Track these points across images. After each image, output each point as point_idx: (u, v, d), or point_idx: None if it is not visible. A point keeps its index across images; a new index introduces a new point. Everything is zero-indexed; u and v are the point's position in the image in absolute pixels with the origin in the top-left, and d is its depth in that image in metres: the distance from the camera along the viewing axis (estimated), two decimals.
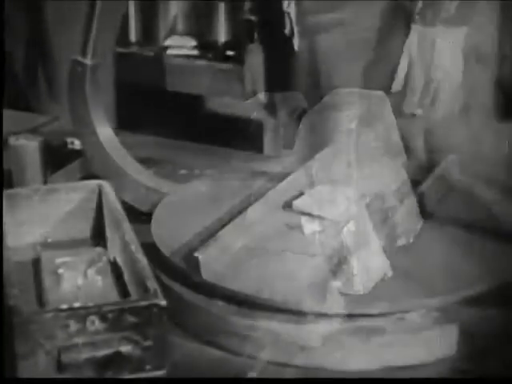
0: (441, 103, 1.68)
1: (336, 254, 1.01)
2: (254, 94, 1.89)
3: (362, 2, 1.69)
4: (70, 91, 1.23)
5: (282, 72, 1.83)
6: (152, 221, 1.11)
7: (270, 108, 1.93)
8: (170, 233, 1.08)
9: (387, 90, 1.68)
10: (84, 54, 1.20)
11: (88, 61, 1.20)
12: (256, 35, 1.86)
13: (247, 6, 1.88)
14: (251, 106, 1.93)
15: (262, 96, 1.89)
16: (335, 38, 1.72)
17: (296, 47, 1.75)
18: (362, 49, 1.72)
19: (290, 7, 1.73)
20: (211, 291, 0.96)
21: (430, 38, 1.61)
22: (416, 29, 1.62)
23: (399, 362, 0.91)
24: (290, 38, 1.75)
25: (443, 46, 1.62)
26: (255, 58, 1.86)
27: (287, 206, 1.14)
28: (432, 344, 0.91)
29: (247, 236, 1.05)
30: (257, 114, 1.96)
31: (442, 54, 1.62)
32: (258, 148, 1.94)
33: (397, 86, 1.68)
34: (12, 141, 1.23)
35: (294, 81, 1.81)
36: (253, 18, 1.85)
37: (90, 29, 1.19)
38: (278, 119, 1.94)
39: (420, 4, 1.61)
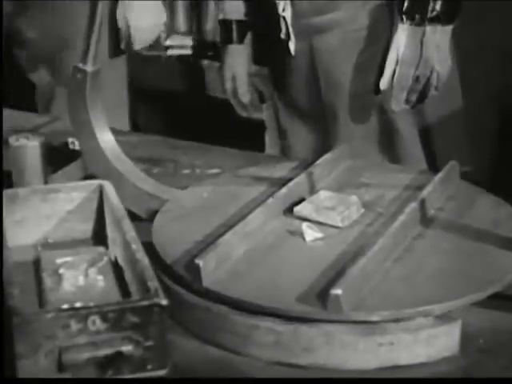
0: (426, 98, 1.69)
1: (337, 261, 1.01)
2: (235, 93, 1.89)
3: (357, 2, 1.70)
4: (70, 97, 1.23)
5: (280, 75, 1.83)
6: (153, 228, 1.10)
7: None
8: (170, 240, 1.07)
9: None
10: (85, 60, 1.20)
11: (88, 67, 1.20)
12: (236, 35, 1.86)
13: (223, 6, 1.87)
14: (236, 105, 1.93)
15: (244, 95, 1.89)
16: (332, 38, 1.73)
17: (292, 51, 1.75)
18: (358, 48, 1.73)
19: (285, 11, 1.73)
20: (212, 298, 0.96)
21: (418, 37, 1.62)
22: (403, 28, 1.63)
23: (401, 361, 0.90)
24: (286, 42, 1.75)
25: (430, 44, 1.62)
26: (237, 58, 1.86)
27: (288, 212, 1.14)
28: (434, 343, 0.91)
29: (248, 243, 1.05)
30: (241, 113, 1.96)
31: (430, 52, 1.63)
32: (259, 147, 1.94)
33: (384, 84, 1.68)
34: (12, 141, 1.23)
35: (293, 82, 1.81)
36: (232, 17, 1.85)
37: (91, 36, 1.18)
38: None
39: (407, 4, 1.61)
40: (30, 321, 0.82)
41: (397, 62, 1.65)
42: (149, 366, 0.85)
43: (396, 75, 1.65)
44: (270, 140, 1.99)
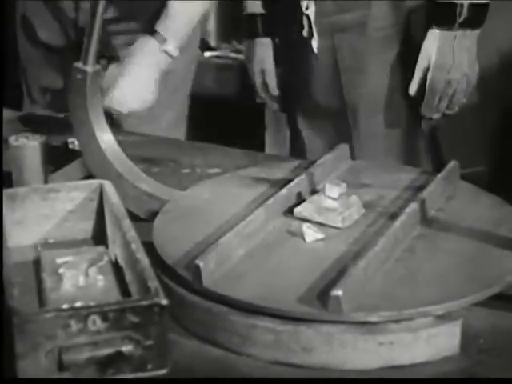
0: (457, 105, 1.69)
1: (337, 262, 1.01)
2: (266, 86, 1.89)
3: (381, 1, 1.69)
4: (70, 97, 1.23)
5: (300, 72, 1.83)
6: (153, 228, 1.10)
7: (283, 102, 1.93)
8: (171, 240, 1.07)
9: (406, 90, 1.69)
10: (85, 61, 1.20)
11: (89, 68, 1.20)
12: (260, 28, 1.86)
13: (246, 2, 1.87)
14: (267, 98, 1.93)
15: (274, 89, 1.89)
16: (355, 37, 1.72)
17: (315, 49, 1.75)
18: (381, 48, 1.72)
19: (308, 9, 1.72)
20: (212, 298, 0.96)
21: (449, 42, 1.62)
22: (434, 33, 1.63)
23: (401, 361, 0.90)
24: (308, 40, 1.75)
25: (461, 48, 1.63)
26: (264, 51, 1.86)
27: (288, 212, 1.14)
28: (434, 343, 0.91)
29: (248, 243, 1.05)
30: (269, 107, 1.96)
31: (462, 57, 1.63)
32: (259, 147, 1.94)
33: (413, 89, 1.68)
34: (12, 141, 1.23)
35: (314, 80, 1.80)
36: (256, 11, 1.85)
37: (92, 36, 1.18)
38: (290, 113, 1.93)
39: (436, 8, 1.62)
40: (30, 320, 0.82)
41: (427, 67, 1.65)
42: (149, 366, 0.85)
43: (429, 80, 1.65)
44: (269, 140, 1.99)
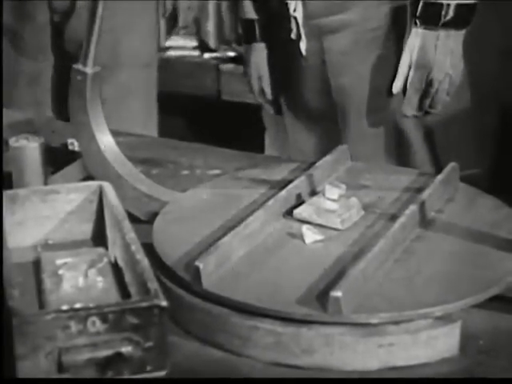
0: (440, 104, 1.69)
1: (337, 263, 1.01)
2: (262, 91, 1.90)
3: (370, 2, 1.70)
4: (70, 100, 1.23)
5: (289, 74, 1.83)
6: (153, 229, 1.10)
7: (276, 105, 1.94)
8: (170, 241, 1.07)
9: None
10: (85, 62, 1.20)
11: (88, 69, 1.20)
12: (258, 33, 1.86)
13: (243, 6, 1.88)
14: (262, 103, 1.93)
15: (269, 93, 1.90)
16: (344, 39, 1.73)
17: (303, 51, 1.75)
18: (370, 49, 1.73)
19: (296, 11, 1.73)
20: (212, 299, 0.96)
21: (432, 41, 1.62)
22: (417, 32, 1.63)
23: (400, 362, 0.90)
24: (297, 42, 1.75)
25: (444, 48, 1.62)
26: (261, 56, 1.87)
27: (288, 214, 1.14)
28: (433, 345, 0.91)
29: (248, 245, 1.05)
30: (266, 110, 1.97)
31: (443, 57, 1.63)
32: (259, 148, 1.94)
33: (397, 87, 1.68)
34: (12, 142, 1.23)
35: (303, 82, 1.81)
36: (254, 17, 1.85)
37: (91, 37, 1.18)
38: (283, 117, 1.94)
39: (421, 8, 1.62)
40: (29, 322, 0.82)
41: (410, 65, 1.65)
42: (148, 367, 0.85)
43: (410, 79, 1.65)
44: (269, 141, 2.00)
